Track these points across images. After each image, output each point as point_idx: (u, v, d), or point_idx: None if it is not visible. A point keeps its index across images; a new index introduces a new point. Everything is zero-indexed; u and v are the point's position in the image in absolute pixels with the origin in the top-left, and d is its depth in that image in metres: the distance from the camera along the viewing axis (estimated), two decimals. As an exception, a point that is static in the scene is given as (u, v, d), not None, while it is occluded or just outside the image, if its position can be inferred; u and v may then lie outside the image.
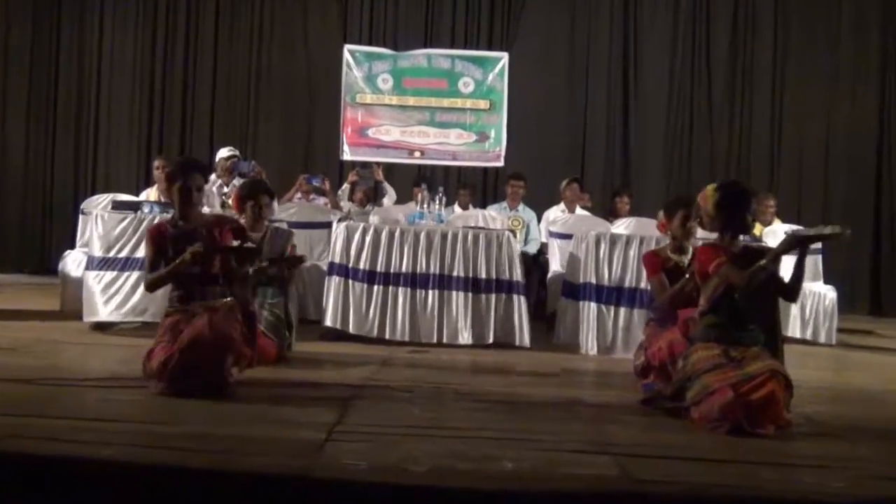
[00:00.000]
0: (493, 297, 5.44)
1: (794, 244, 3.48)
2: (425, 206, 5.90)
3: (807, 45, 9.66)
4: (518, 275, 5.49)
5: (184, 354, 3.45)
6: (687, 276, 4.11)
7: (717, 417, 3.29)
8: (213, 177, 6.43)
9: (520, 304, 5.47)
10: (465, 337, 5.40)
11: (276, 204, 6.42)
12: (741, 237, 3.67)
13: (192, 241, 3.69)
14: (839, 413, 3.90)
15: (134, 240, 5.29)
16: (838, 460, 2.99)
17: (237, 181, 6.12)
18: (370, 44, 8.97)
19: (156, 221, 4.04)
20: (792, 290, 3.58)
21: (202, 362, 3.47)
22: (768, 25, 9.68)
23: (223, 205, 6.10)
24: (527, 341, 5.44)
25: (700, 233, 4.45)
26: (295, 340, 4.82)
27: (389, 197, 7.64)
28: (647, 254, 4.56)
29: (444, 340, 5.39)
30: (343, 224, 5.62)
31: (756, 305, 3.54)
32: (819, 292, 6.54)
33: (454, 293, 5.43)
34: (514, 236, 5.78)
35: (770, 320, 3.61)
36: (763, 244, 3.71)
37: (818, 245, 7.03)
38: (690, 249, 4.38)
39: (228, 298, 3.73)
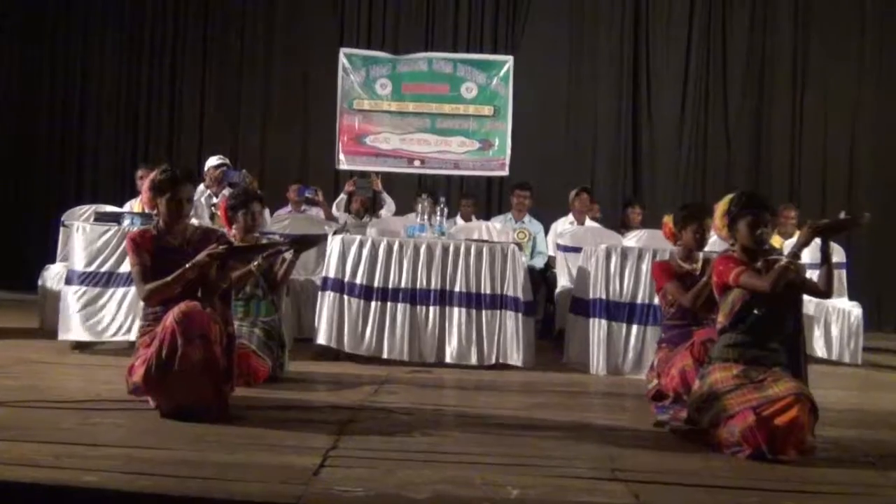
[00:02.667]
0: (498, 313, 5.43)
1: (813, 235, 3.48)
2: (426, 217, 5.90)
3: (828, 48, 9.70)
4: (523, 290, 5.48)
5: (172, 335, 3.43)
6: (705, 279, 4.17)
7: (737, 442, 3.28)
8: (201, 187, 6.45)
9: (525, 322, 5.46)
10: (468, 356, 5.39)
11: (267, 213, 6.45)
12: (757, 254, 3.65)
13: (178, 258, 3.66)
14: (866, 437, 3.88)
15: (117, 253, 5.29)
16: (865, 487, 2.98)
17: (227, 191, 6.14)
18: (368, 47, 9.02)
19: (136, 230, 3.96)
20: (826, 289, 3.58)
21: (190, 335, 3.43)
22: (787, 27, 9.73)
23: (212, 216, 6.12)
24: (533, 360, 5.43)
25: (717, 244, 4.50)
26: (288, 360, 4.82)
27: (388, 208, 7.66)
28: (658, 263, 4.72)
29: (446, 360, 5.38)
30: (339, 237, 5.63)
31: (779, 322, 3.53)
32: (844, 309, 6.53)
33: (456, 310, 5.42)
34: (520, 249, 5.78)
35: (793, 338, 3.60)
36: (782, 257, 3.69)
37: (843, 259, 7.04)
38: (700, 257, 4.51)
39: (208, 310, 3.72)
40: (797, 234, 7.17)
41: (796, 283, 3.52)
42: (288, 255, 4.77)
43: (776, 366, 3.46)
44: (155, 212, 3.85)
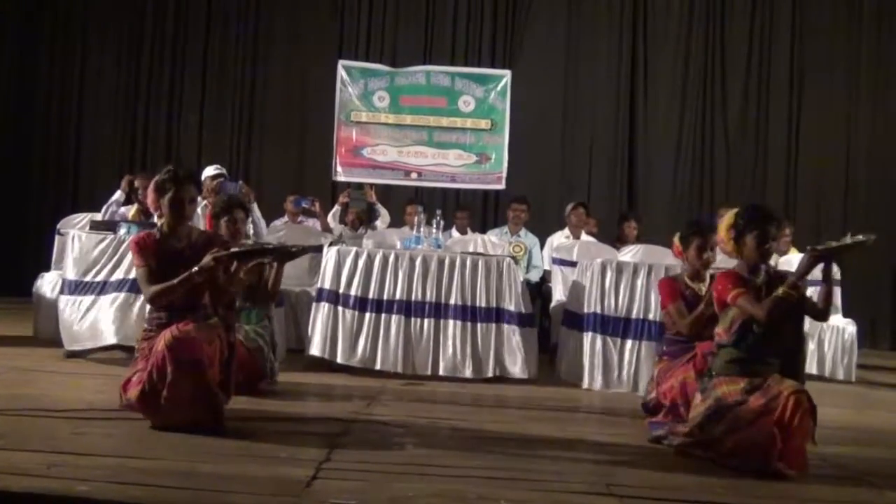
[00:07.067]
0: (493, 326, 5.42)
1: (815, 262, 3.45)
2: (422, 229, 5.91)
3: (825, 63, 9.74)
4: (520, 304, 5.47)
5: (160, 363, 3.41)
6: (702, 306, 4.16)
7: (747, 449, 3.28)
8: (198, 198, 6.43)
9: (520, 335, 5.45)
10: (463, 369, 5.38)
11: (263, 224, 6.43)
12: (762, 267, 3.63)
13: (180, 261, 3.63)
14: (860, 455, 3.88)
15: (112, 262, 5.28)
16: (859, 505, 2.98)
17: (223, 202, 6.12)
18: (366, 59, 9.05)
19: (141, 234, 3.93)
20: (823, 311, 3.58)
21: (182, 364, 3.40)
22: (785, 43, 9.76)
23: (207, 226, 6.10)
24: (527, 374, 5.42)
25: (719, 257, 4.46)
26: (278, 368, 4.78)
27: (383, 220, 7.67)
28: (664, 280, 4.61)
29: (440, 373, 5.37)
30: (335, 248, 5.62)
31: (778, 337, 3.53)
32: (838, 326, 6.53)
33: (451, 322, 5.41)
34: (516, 263, 5.78)
35: (793, 352, 3.60)
36: (787, 271, 3.68)
37: (837, 276, 7.04)
38: (708, 276, 4.43)
39: (213, 320, 3.71)
40: (792, 251, 7.19)
41: (798, 301, 3.50)
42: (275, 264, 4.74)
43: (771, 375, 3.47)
44: (158, 213, 3.84)
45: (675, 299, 4.36)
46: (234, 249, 3.70)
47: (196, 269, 3.57)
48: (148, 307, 3.85)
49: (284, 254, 4.65)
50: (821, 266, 3.56)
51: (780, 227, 3.73)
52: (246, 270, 4.23)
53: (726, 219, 3.69)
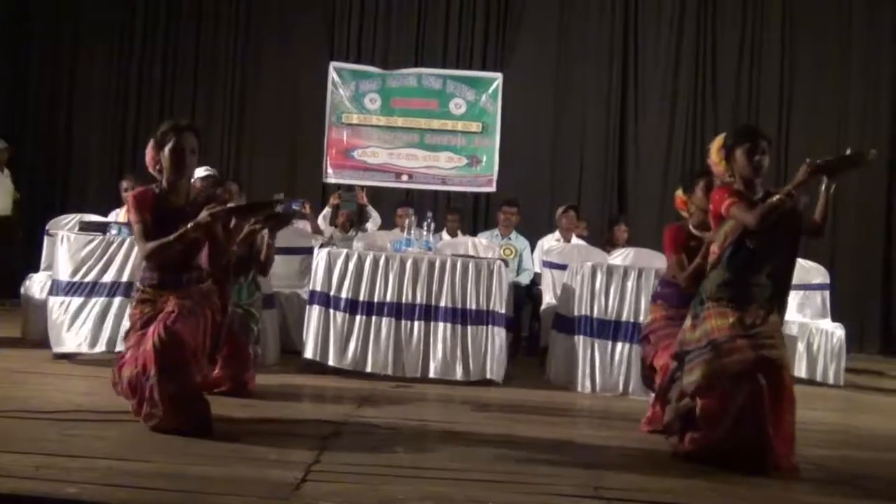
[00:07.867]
0: (484, 329, 5.43)
1: (812, 174, 3.39)
2: (412, 232, 5.92)
3: (815, 73, 9.80)
4: (505, 306, 5.49)
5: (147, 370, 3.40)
6: (699, 259, 4.07)
7: (723, 406, 3.32)
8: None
9: (504, 338, 5.46)
10: (453, 371, 5.39)
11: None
12: (757, 183, 3.60)
13: (180, 218, 3.56)
14: (850, 458, 3.91)
15: (101, 263, 5.27)
16: (847, 508, 2.99)
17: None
18: (358, 61, 9.04)
19: (139, 189, 3.79)
20: (819, 225, 3.55)
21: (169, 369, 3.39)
22: (775, 49, 9.82)
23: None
24: (518, 377, 5.43)
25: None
26: (262, 354, 4.77)
27: (374, 222, 7.67)
28: (671, 228, 4.41)
29: (430, 375, 5.38)
30: (325, 250, 5.63)
31: (770, 255, 3.52)
32: (827, 330, 6.56)
33: (441, 325, 5.42)
34: (506, 266, 5.79)
35: (785, 269, 3.60)
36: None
37: (826, 280, 7.08)
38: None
39: (207, 284, 3.67)
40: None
41: (793, 216, 3.48)
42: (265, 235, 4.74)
43: (766, 299, 3.49)
44: (157, 169, 3.77)
45: (679, 251, 4.25)
46: (231, 205, 3.66)
47: (192, 224, 3.51)
48: (141, 266, 3.78)
49: (280, 217, 4.60)
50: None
51: (770, 144, 3.68)
52: (237, 242, 4.17)
53: (716, 142, 3.70)
